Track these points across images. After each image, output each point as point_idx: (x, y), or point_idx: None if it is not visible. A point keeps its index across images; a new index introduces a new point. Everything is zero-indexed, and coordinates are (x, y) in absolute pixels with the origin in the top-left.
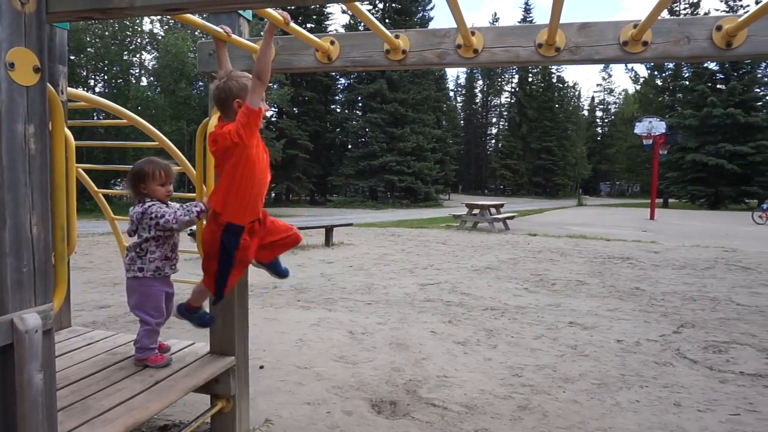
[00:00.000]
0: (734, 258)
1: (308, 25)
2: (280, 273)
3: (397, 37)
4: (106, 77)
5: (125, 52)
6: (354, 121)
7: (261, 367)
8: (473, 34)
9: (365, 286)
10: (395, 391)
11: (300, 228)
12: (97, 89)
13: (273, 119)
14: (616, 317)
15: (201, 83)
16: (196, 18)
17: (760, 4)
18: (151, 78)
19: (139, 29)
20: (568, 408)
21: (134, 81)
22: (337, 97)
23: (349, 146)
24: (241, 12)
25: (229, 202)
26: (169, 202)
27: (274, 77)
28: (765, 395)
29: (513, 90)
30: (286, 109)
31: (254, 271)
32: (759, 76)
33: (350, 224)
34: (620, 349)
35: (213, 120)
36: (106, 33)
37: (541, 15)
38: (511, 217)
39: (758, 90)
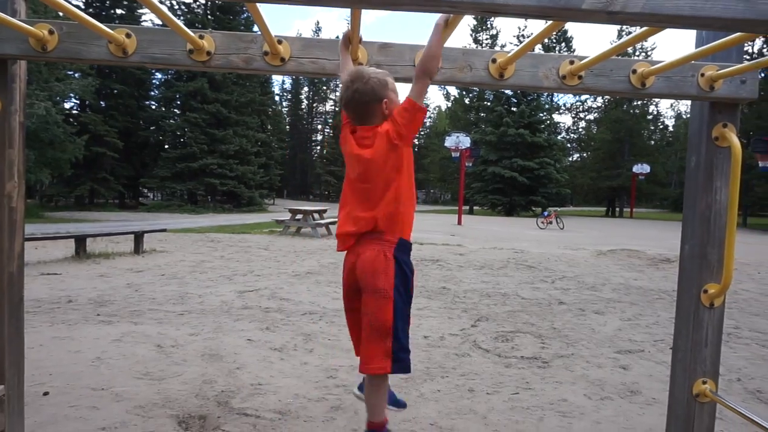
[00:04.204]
0: (522, 258)
1: (118, 11)
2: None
3: (201, 37)
4: None
5: None
6: (171, 120)
7: (45, 394)
8: (280, 42)
9: (178, 296)
10: (205, 405)
11: (105, 234)
12: None
13: (75, 112)
14: (425, 315)
15: None
16: None
17: (520, 46)
18: None
19: None
20: None
21: None
22: (153, 93)
23: (166, 146)
24: None
25: (399, 214)
26: None
27: (75, 66)
28: (537, 374)
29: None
30: (90, 102)
31: (42, 283)
32: (543, 103)
33: (164, 230)
34: (427, 344)
35: None
36: None
37: (365, 29)
38: (334, 223)
39: (542, 114)
